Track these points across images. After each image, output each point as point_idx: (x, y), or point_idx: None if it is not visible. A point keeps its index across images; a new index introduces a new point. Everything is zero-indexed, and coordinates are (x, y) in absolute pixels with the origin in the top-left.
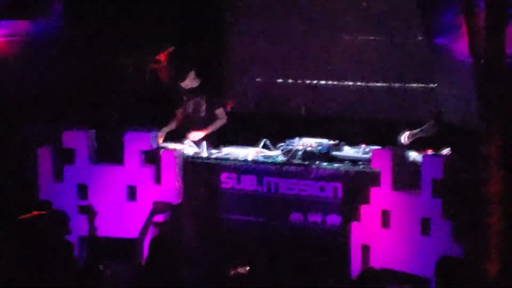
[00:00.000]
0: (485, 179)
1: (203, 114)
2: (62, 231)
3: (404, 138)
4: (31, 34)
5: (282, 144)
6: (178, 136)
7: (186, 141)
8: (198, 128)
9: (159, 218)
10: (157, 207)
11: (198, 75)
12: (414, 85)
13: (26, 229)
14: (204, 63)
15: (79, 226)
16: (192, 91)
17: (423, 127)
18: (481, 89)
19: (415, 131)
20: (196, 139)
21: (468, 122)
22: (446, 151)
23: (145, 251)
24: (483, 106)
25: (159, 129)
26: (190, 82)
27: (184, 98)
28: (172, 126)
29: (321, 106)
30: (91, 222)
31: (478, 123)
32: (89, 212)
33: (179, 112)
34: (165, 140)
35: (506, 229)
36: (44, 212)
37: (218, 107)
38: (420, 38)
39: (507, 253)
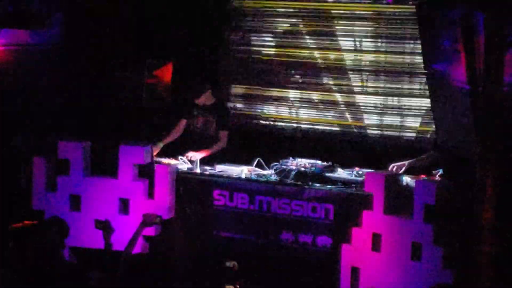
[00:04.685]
0: (478, 206)
1: (212, 133)
2: (62, 239)
3: (391, 168)
4: (30, 44)
5: (276, 163)
6: (177, 148)
7: (180, 157)
8: (204, 145)
9: (149, 232)
10: (147, 219)
11: (213, 94)
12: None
13: (19, 238)
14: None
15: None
16: (205, 109)
17: (419, 157)
18: (477, 116)
19: (405, 162)
20: (194, 159)
21: (463, 148)
22: (437, 173)
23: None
24: (480, 133)
25: (154, 143)
26: (205, 99)
27: (195, 112)
28: (172, 136)
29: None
30: (106, 239)
31: (473, 150)
32: (105, 228)
33: (182, 122)
34: (161, 154)
35: (498, 257)
36: (35, 222)
37: (223, 129)
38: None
39: (498, 282)
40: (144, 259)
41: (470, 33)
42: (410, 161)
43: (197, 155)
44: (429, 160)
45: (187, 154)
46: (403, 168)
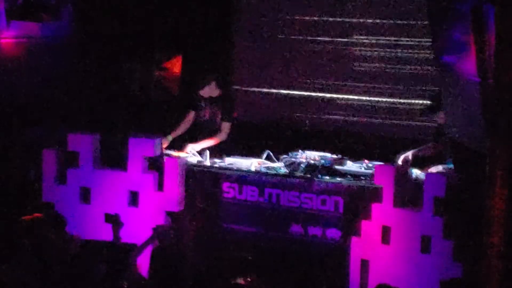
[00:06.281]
0: (488, 199)
1: (217, 124)
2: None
3: (400, 161)
4: (40, 36)
5: (285, 156)
6: (187, 141)
7: (189, 149)
8: (208, 136)
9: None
10: (160, 232)
11: (219, 85)
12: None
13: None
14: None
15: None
16: (211, 100)
17: (421, 147)
18: (487, 109)
19: (409, 153)
20: (193, 152)
21: (473, 141)
22: (437, 168)
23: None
24: (489, 126)
25: (164, 135)
26: (210, 91)
27: (202, 104)
28: (181, 129)
29: (326, 119)
30: (115, 232)
31: (484, 142)
32: (115, 222)
33: (191, 115)
34: (170, 147)
35: (507, 250)
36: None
37: (226, 121)
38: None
39: (507, 275)
40: (155, 254)
41: (480, 25)
42: (413, 151)
43: (196, 147)
44: (433, 150)
45: (187, 148)
46: (409, 159)
